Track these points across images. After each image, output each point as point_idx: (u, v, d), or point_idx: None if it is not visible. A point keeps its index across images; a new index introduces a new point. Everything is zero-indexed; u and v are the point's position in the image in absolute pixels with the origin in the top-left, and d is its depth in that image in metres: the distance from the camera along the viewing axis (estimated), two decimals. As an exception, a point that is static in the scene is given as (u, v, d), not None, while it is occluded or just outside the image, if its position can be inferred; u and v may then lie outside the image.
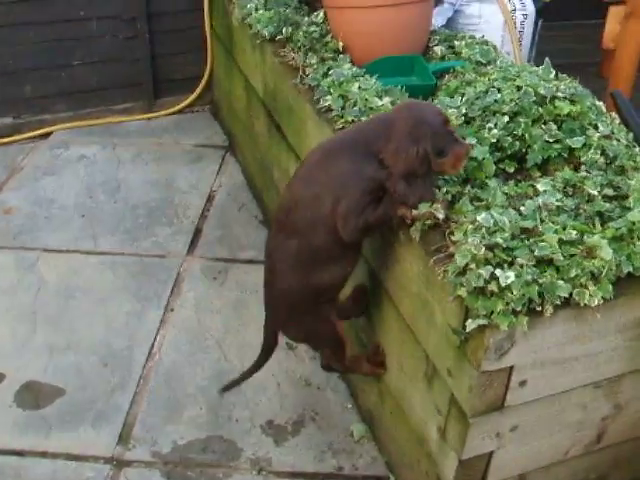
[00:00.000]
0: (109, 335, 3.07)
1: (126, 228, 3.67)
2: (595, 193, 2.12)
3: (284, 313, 2.40)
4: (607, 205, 2.08)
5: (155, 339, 3.05)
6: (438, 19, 3.39)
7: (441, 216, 2.01)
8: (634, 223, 1.97)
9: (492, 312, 1.78)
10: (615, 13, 3.42)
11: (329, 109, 2.66)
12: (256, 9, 3.44)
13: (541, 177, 2.27)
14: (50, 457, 2.60)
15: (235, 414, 2.76)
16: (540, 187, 2.11)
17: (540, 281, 1.81)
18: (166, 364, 2.95)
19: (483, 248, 1.82)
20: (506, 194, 2.13)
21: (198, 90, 4.61)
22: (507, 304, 1.77)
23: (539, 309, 1.82)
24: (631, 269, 1.92)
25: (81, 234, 3.62)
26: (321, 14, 3.21)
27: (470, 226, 1.92)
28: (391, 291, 2.31)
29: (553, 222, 1.96)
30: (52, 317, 3.14)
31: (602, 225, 2.02)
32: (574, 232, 1.91)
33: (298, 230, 2.19)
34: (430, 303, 2.03)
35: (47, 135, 4.40)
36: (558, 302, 1.82)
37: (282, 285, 2.30)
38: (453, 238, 1.95)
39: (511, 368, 1.90)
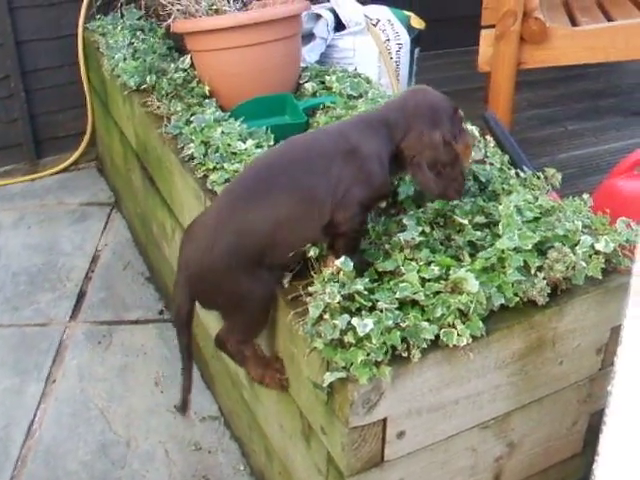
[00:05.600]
0: (-16, 417, 2.85)
1: (5, 297, 3.45)
2: (465, 222, 2.01)
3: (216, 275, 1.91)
4: (478, 234, 1.98)
5: (35, 415, 2.83)
6: (311, 55, 3.30)
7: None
8: (503, 251, 1.86)
9: (352, 364, 1.64)
10: (486, 36, 3.36)
11: (192, 157, 2.52)
12: (124, 59, 3.31)
13: (411, 210, 2.16)
14: None
15: (121, 489, 2.58)
16: (406, 221, 2.00)
17: (403, 325, 1.67)
18: (46, 441, 2.73)
19: (338, 296, 1.68)
20: (375, 231, 2.02)
21: (82, 147, 4.42)
22: (368, 354, 1.62)
23: (405, 355, 1.69)
24: (503, 301, 1.81)
25: (-44, 309, 3.40)
26: (188, 59, 3.10)
27: (328, 272, 1.79)
28: (263, 345, 2.15)
29: (416, 259, 1.84)
30: None
31: (473, 255, 1.91)
32: (437, 268, 1.79)
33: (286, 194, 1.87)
34: (296, 357, 1.88)
35: None
36: (425, 345, 1.69)
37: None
38: (310, 289, 1.79)
39: (384, 420, 1.75)
